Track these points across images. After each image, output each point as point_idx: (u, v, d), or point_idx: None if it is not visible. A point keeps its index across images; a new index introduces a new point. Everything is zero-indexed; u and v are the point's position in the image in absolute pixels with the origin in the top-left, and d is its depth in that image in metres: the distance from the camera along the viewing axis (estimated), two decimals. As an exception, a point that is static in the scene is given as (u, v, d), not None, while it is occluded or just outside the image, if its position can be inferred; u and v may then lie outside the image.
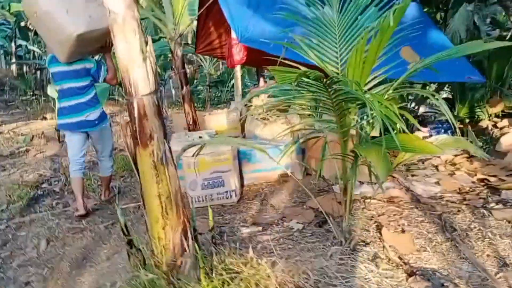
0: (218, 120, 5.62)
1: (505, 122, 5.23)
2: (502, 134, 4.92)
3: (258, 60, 6.58)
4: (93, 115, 3.92)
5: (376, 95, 2.12)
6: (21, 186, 5.08)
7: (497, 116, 5.42)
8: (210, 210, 2.74)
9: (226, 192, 3.97)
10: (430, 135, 5.73)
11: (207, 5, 5.21)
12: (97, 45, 3.82)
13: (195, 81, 15.56)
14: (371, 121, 2.55)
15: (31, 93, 14.28)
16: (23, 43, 13.80)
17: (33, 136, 7.41)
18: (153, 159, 2.24)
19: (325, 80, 2.12)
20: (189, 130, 5.06)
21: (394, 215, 3.25)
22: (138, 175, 2.33)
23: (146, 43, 2.19)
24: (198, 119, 5.14)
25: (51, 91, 7.25)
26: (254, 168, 4.31)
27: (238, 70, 6.06)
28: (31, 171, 5.74)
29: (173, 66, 5.12)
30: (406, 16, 5.06)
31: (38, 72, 16.33)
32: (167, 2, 4.87)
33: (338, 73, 2.62)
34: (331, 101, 2.34)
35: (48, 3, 3.41)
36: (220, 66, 17.28)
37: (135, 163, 2.33)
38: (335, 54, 2.70)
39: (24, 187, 4.98)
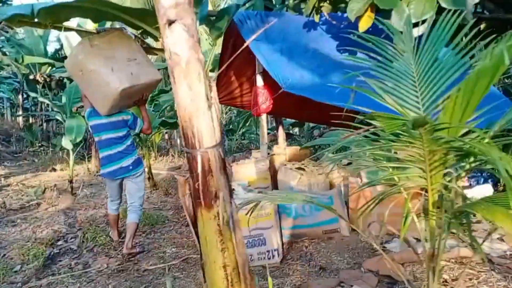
0: (245, 170, 5.29)
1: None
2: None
3: (283, 109, 6.38)
4: (128, 161, 4.09)
5: (495, 146, 1.81)
6: (35, 243, 4.67)
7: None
8: (270, 280, 2.36)
9: (268, 251, 3.58)
10: (470, 185, 5.39)
11: (228, 61, 5.00)
12: (134, 99, 4.05)
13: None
14: (462, 174, 2.23)
15: (39, 144, 14.05)
16: (33, 95, 13.75)
17: (45, 189, 7.04)
18: (218, 222, 1.88)
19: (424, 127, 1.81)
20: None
21: (471, 279, 2.86)
22: (198, 241, 1.96)
23: (210, 88, 1.89)
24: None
25: (66, 142, 6.99)
26: (295, 223, 3.94)
27: (264, 118, 5.82)
28: (44, 227, 5.34)
29: None
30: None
31: (45, 124, 16.21)
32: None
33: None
34: (422, 151, 2.02)
35: (94, 62, 3.71)
36: (225, 115, 17.20)
37: (195, 227, 1.96)
38: (415, 98, 2.41)
39: (38, 245, 4.57)
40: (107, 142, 4.06)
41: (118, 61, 3.72)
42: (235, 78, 6.80)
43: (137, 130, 4.24)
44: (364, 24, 3.98)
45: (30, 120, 16.92)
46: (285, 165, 4.78)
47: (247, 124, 15.40)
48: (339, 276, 3.15)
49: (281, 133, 8.30)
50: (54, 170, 9.78)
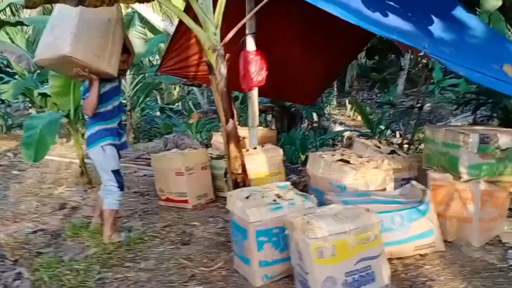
0: (253, 161, 4.06)
1: None
2: None
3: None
4: (86, 134, 3.76)
5: None
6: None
7: None
8: None
9: (378, 290, 2.52)
10: None
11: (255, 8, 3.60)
12: (69, 72, 3.56)
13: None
14: None
15: None
16: None
17: None
18: None
19: None
20: (236, 183, 3.42)
21: None
22: None
23: None
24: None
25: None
26: (382, 240, 2.91)
27: (255, 94, 4.60)
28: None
29: (212, 88, 3.44)
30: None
31: None
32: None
33: None
34: None
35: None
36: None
37: None
38: None
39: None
40: None
41: (50, 27, 3.45)
42: (196, 40, 5.35)
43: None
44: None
45: None
46: (322, 156, 3.66)
47: (147, 99, 13.21)
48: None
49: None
50: None
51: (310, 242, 2.39)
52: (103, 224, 3.79)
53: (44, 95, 5.43)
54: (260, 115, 10.69)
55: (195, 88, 13.57)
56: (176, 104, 15.79)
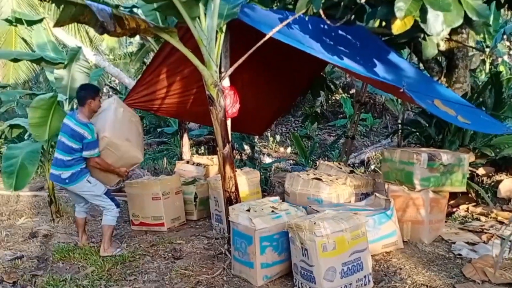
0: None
1: (482, 170, 5.69)
2: (497, 182, 5.33)
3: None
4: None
5: None
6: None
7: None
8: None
9: (365, 277, 3.13)
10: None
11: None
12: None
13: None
14: None
15: None
16: None
17: None
18: None
19: None
20: (229, 200, 3.86)
21: None
22: None
23: None
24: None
25: None
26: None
27: (229, 124, 5.10)
28: None
29: (212, 117, 3.88)
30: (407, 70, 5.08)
31: None
32: (211, 34, 3.75)
33: None
34: None
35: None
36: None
37: None
38: None
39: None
40: None
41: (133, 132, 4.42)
42: (166, 76, 5.78)
43: (84, 154, 3.98)
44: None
45: None
46: (299, 175, 4.26)
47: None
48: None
49: (186, 141, 7.45)
50: None
51: (317, 239, 2.94)
52: (101, 241, 4.21)
53: (12, 127, 5.45)
54: (193, 147, 11.09)
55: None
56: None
